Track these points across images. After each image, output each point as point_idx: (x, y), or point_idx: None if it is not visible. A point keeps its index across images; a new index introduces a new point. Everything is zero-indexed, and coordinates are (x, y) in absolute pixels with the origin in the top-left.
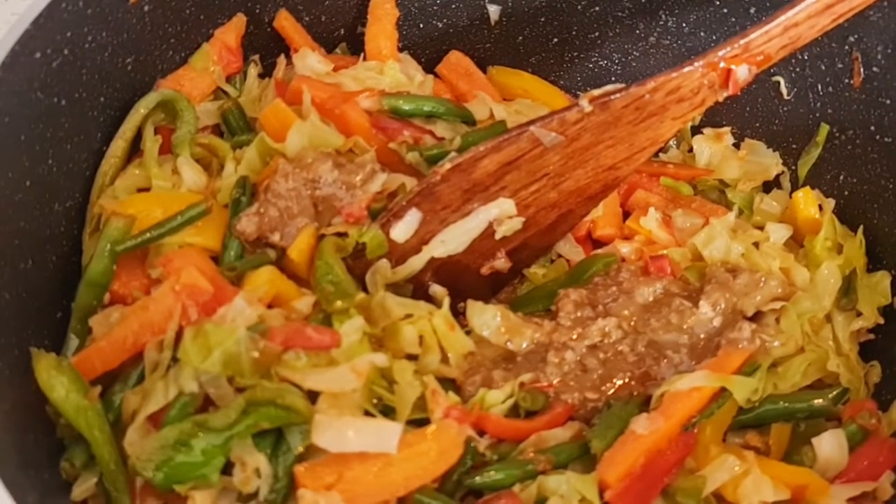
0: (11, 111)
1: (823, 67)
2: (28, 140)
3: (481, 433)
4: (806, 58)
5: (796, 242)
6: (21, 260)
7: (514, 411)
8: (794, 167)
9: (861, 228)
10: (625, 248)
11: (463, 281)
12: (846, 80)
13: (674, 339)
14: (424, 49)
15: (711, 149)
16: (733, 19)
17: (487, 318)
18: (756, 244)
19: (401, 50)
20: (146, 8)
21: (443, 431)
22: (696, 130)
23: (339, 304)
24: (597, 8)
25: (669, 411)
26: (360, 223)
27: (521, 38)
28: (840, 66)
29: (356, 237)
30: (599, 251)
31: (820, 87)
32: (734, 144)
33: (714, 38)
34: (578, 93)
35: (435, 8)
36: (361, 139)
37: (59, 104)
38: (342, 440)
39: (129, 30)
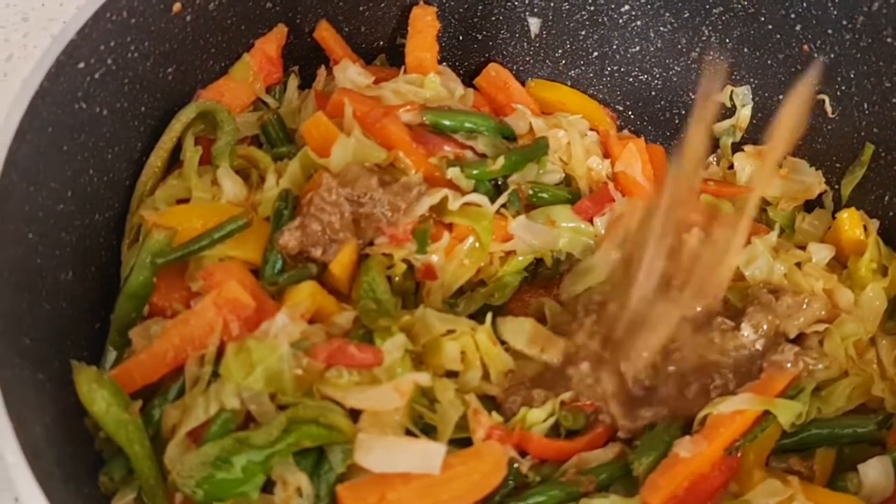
0: (55, 121)
1: (870, 86)
2: (70, 150)
3: (523, 453)
4: (852, 76)
5: (839, 263)
6: (61, 271)
7: (553, 431)
8: (837, 186)
9: None
10: None
11: None
12: (893, 100)
13: (715, 361)
14: (463, 61)
15: (753, 166)
16: (778, 36)
17: (517, 329)
18: (798, 264)
19: (439, 62)
20: (188, 18)
21: (486, 453)
22: (736, 147)
23: (382, 322)
24: (638, 22)
25: (713, 434)
26: (403, 245)
27: (560, 51)
28: (887, 84)
29: (399, 258)
30: None
31: (866, 105)
32: None
33: (757, 54)
34: (618, 107)
35: (475, 20)
36: (402, 153)
37: (101, 114)
38: (385, 460)
39: (171, 40)
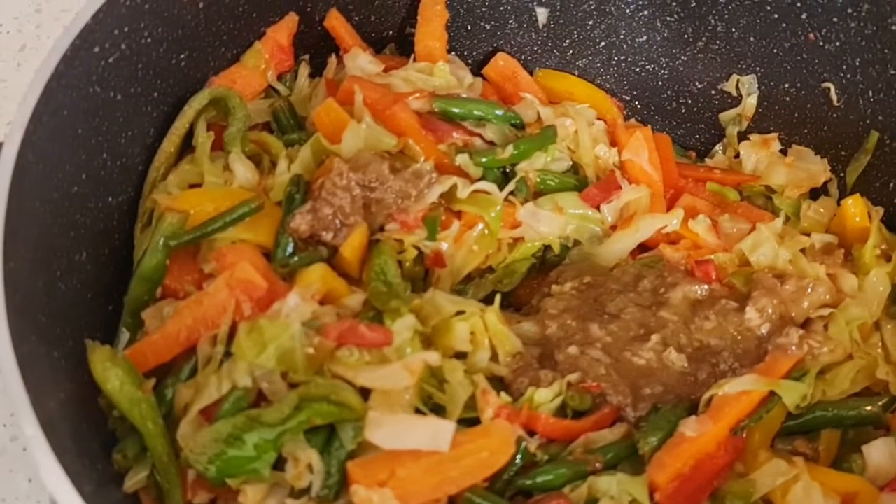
0: (70, 104)
1: (875, 74)
2: (84, 133)
3: (531, 433)
4: (857, 64)
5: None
6: (76, 252)
7: (560, 412)
8: (842, 174)
9: None
10: (670, 253)
11: None
12: None
13: (719, 344)
14: (472, 51)
15: (758, 155)
16: (784, 25)
17: None
18: (803, 250)
19: (448, 51)
20: (201, 5)
21: (495, 431)
22: (742, 136)
23: (393, 303)
24: (645, 12)
25: (718, 414)
26: (414, 231)
27: (568, 41)
28: (892, 72)
29: (410, 244)
30: (644, 256)
31: (871, 93)
32: (781, 150)
33: (763, 43)
34: (625, 97)
35: (483, 10)
36: (412, 140)
37: (115, 98)
38: (395, 437)
39: (184, 26)
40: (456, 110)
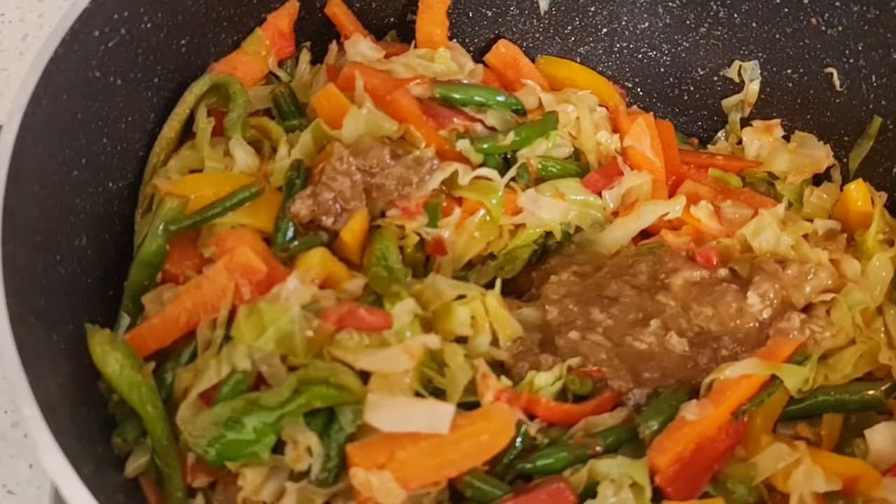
0: (69, 88)
1: (878, 58)
2: (84, 118)
3: (531, 417)
4: (860, 48)
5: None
6: (76, 236)
7: (561, 397)
8: (845, 160)
9: None
10: (672, 239)
11: None
12: None
13: (721, 329)
14: (473, 38)
15: (761, 141)
16: (786, 10)
17: None
18: (806, 236)
19: (449, 38)
20: None
21: (495, 414)
22: (745, 122)
23: (393, 288)
24: None
25: (719, 398)
26: (415, 218)
27: (570, 27)
28: (895, 56)
29: (411, 230)
30: (646, 241)
31: (874, 78)
32: (784, 136)
33: (766, 28)
34: (627, 84)
35: None
36: (413, 126)
37: (115, 83)
38: (395, 420)
39: (184, 11)
40: (457, 96)
